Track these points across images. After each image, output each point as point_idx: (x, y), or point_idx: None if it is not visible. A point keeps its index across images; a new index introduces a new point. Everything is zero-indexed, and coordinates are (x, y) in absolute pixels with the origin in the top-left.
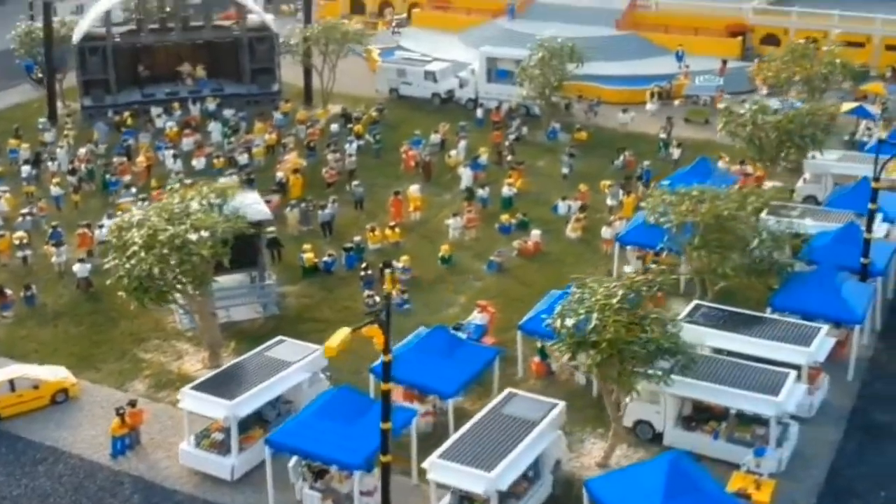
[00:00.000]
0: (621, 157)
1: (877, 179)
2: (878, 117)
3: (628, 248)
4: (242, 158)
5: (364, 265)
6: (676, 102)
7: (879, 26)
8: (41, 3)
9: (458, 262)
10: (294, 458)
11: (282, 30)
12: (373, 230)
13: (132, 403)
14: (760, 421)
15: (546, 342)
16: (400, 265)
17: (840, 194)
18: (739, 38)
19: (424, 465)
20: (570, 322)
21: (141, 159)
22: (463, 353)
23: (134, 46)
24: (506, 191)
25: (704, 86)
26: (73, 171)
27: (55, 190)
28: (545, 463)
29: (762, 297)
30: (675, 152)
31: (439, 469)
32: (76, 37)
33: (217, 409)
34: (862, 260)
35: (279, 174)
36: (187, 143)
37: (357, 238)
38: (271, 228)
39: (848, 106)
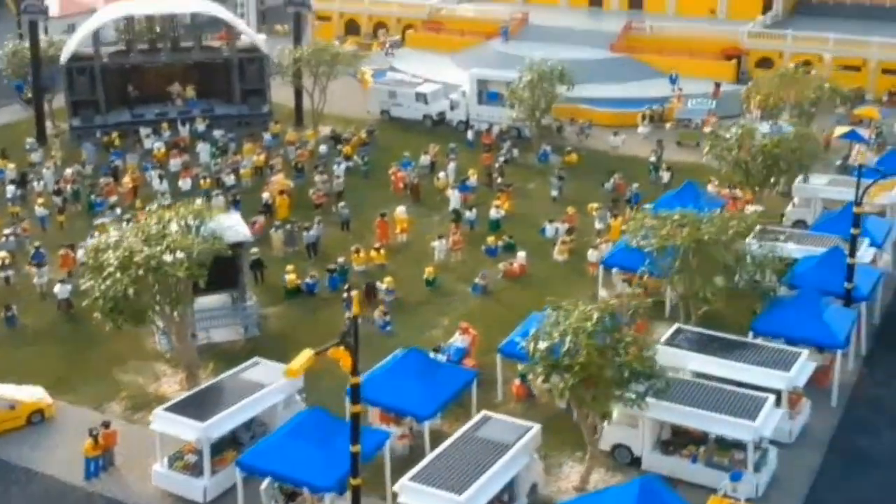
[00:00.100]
0: (611, 180)
1: (858, 204)
2: (871, 142)
3: (614, 271)
4: (229, 179)
5: (347, 286)
6: (668, 125)
7: (875, 50)
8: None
9: (443, 285)
10: (266, 480)
11: (275, 50)
12: (357, 252)
13: (106, 424)
14: (739, 445)
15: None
16: (384, 287)
17: (827, 219)
18: (734, 61)
19: (395, 487)
20: (543, 345)
21: (127, 180)
22: (440, 376)
23: (123, 67)
24: (493, 213)
25: (696, 109)
26: (58, 192)
27: (40, 210)
28: (521, 486)
29: (747, 321)
30: (665, 175)
31: (410, 492)
32: (63, 57)
33: (189, 430)
34: (846, 285)
35: (265, 195)
36: (175, 163)
37: (341, 259)
38: (255, 249)
39: (841, 130)
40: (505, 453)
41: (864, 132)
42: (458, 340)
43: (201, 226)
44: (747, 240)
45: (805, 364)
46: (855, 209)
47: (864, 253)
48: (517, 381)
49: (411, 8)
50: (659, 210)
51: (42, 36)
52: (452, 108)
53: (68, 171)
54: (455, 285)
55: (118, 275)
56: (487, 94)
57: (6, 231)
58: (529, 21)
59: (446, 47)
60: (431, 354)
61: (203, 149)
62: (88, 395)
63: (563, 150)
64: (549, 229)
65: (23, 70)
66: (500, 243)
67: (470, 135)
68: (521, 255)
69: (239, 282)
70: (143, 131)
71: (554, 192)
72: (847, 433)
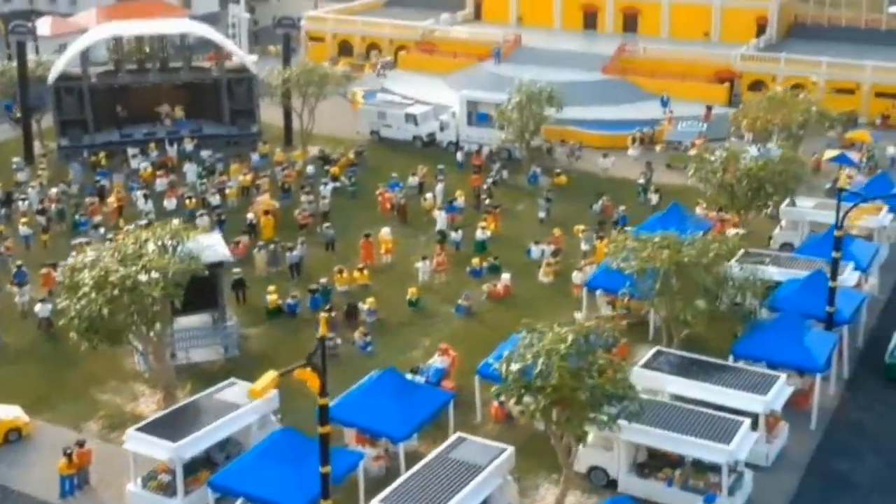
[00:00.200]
0: (600, 202)
1: (839, 227)
2: (862, 165)
3: (598, 292)
4: (214, 199)
5: (328, 307)
6: (658, 148)
7: (869, 73)
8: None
9: (426, 306)
10: (239, 501)
11: (265, 70)
12: (340, 272)
13: (80, 443)
14: (715, 469)
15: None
16: (366, 307)
17: (812, 242)
18: (727, 84)
19: None
20: (515, 367)
21: (112, 199)
22: (416, 397)
23: (111, 87)
24: (479, 234)
25: (686, 131)
26: (42, 211)
27: (24, 229)
28: None
29: (729, 344)
30: (654, 198)
31: None
32: (51, 77)
33: (161, 450)
34: (827, 308)
35: (250, 215)
36: (161, 183)
37: (323, 280)
38: (237, 270)
39: (831, 153)
40: (477, 475)
41: (855, 156)
42: (437, 361)
43: (178, 246)
44: (729, 263)
45: (782, 388)
46: (836, 233)
47: (849, 276)
48: (496, 403)
49: (404, 29)
50: (642, 232)
51: (32, 56)
52: (442, 129)
53: (53, 190)
54: (439, 306)
55: (93, 294)
56: (477, 115)
57: None
58: (522, 43)
59: (439, 69)
60: (409, 375)
61: (190, 169)
62: (67, 414)
63: (552, 172)
64: (535, 251)
65: (11, 90)
66: (484, 265)
67: (459, 156)
68: (506, 276)
69: (219, 302)
70: (131, 151)
71: (542, 214)
72: (826, 456)
